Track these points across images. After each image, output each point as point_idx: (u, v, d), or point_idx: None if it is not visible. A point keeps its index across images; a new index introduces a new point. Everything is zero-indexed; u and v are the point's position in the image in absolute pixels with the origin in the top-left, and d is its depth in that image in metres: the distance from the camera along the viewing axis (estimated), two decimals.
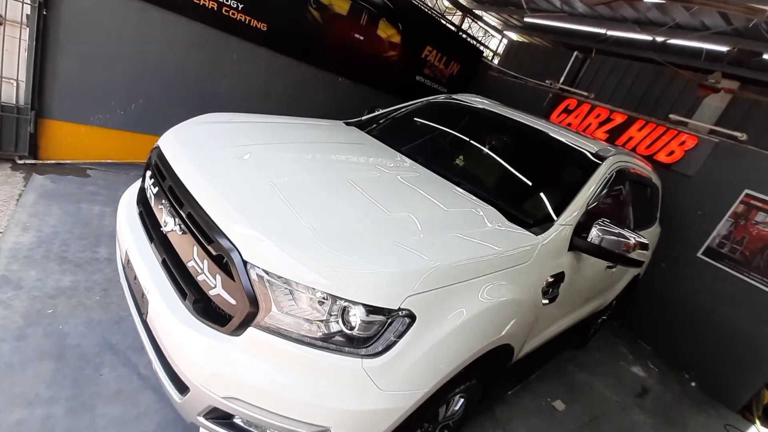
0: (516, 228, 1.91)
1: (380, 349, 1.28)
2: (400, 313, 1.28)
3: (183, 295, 1.42)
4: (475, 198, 2.07)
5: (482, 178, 2.41)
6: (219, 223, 1.35)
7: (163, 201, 1.62)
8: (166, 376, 1.41)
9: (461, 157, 2.58)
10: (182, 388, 1.35)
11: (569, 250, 2.02)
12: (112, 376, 2.02)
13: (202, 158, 1.66)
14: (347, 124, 2.91)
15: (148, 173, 1.84)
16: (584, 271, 2.22)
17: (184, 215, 1.47)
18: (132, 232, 1.73)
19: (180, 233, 1.49)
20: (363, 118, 3.06)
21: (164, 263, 1.55)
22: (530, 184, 2.34)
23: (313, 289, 1.26)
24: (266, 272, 1.25)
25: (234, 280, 1.28)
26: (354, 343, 1.27)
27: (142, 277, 1.55)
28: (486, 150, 2.64)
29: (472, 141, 2.70)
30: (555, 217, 2.05)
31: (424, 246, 1.44)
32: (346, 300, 1.25)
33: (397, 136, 2.74)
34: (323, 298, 1.27)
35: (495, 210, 1.99)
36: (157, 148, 1.83)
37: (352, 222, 1.46)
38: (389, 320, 1.28)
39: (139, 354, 2.16)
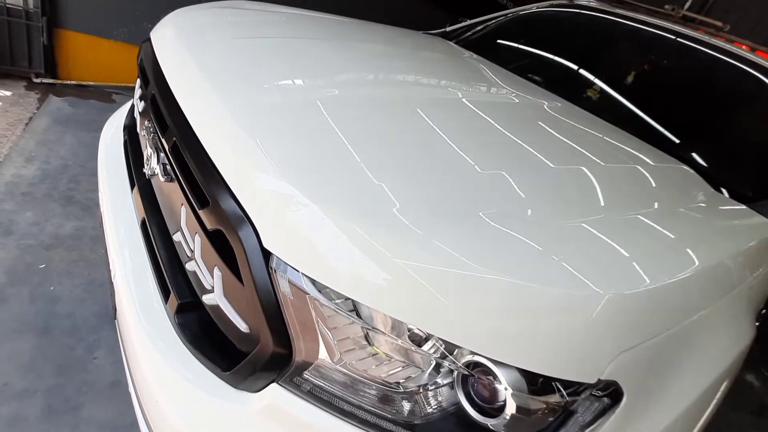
0: (735, 204, 1.09)
1: None
2: (595, 388, 0.58)
3: (165, 293, 0.79)
4: (650, 148, 1.25)
5: (655, 116, 1.55)
6: (220, 164, 0.68)
7: (146, 123, 0.96)
8: (141, 414, 0.82)
9: (618, 83, 1.71)
10: None
11: None
12: (108, 361, 1.52)
13: (204, 50, 0.95)
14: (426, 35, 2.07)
15: (138, 83, 1.18)
16: None
17: (167, 146, 0.80)
18: (108, 171, 1.11)
19: (164, 179, 0.84)
20: (448, 28, 2.20)
21: (144, 227, 0.92)
22: (735, 129, 1.46)
23: (414, 330, 0.58)
24: (311, 280, 0.58)
25: (244, 286, 0.62)
26: None
27: (110, 248, 0.94)
28: (651, 74, 1.74)
29: (631, 63, 1.79)
30: None
31: (615, 243, 0.70)
32: (482, 357, 0.56)
33: (509, 51, 1.89)
34: (433, 348, 0.59)
35: (690, 171, 1.18)
36: (148, 41, 1.15)
37: (468, 187, 0.74)
38: (573, 402, 0.58)
39: None
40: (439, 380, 0.61)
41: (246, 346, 0.66)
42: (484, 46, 1.91)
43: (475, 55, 1.70)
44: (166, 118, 0.82)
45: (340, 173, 0.66)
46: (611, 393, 0.59)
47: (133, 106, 1.26)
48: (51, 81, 3.09)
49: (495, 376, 0.56)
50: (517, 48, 1.94)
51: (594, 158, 1.00)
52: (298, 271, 0.57)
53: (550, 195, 0.79)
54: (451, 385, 0.60)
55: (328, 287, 0.57)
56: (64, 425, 1.32)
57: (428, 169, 0.74)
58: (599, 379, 0.57)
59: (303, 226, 0.58)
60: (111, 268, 0.90)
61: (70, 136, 2.64)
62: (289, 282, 0.57)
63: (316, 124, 0.78)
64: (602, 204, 0.82)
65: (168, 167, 0.82)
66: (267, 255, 0.59)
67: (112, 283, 0.92)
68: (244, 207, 0.62)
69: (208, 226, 0.66)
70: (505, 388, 0.55)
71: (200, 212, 0.68)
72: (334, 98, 0.89)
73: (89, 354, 1.53)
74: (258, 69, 0.94)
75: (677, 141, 1.39)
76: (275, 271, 0.58)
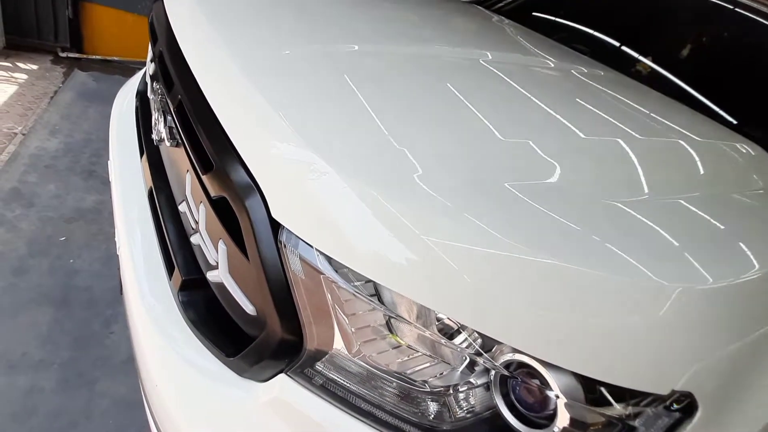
0: None
1: None
2: (668, 401, 0.48)
3: (169, 268, 0.73)
4: (710, 122, 1.10)
5: (717, 87, 1.38)
6: (227, 124, 0.59)
7: (155, 85, 0.88)
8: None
9: (674, 48, 1.54)
10: None
11: None
12: (124, 337, 1.50)
13: (215, 4, 0.86)
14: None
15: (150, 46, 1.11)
16: None
17: (173, 107, 0.73)
18: (119, 140, 1.05)
19: (170, 143, 0.76)
20: None
21: (151, 197, 0.85)
22: None
23: (444, 321, 0.49)
24: (327, 258, 0.49)
25: (249, 261, 0.54)
26: None
27: (116, 219, 0.88)
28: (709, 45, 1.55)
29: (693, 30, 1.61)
30: None
31: (665, 230, 0.58)
32: (527, 356, 0.47)
33: (546, 17, 1.73)
34: (466, 342, 0.50)
35: (757, 147, 1.03)
36: (160, 1, 1.07)
37: (495, 157, 0.63)
38: (639, 415, 0.48)
39: None
40: (472, 380, 0.52)
41: (253, 330, 0.58)
42: (518, 13, 1.76)
43: (506, 20, 1.55)
44: (172, 76, 0.74)
45: (360, 137, 0.57)
46: (684, 406, 0.49)
47: (145, 72, 1.19)
48: (76, 55, 3.08)
49: (543, 380, 0.47)
50: (556, 12, 1.77)
51: (637, 132, 0.86)
52: (311, 246, 0.49)
53: (587, 170, 0.67)
54: (487, 387, 0.51)
55: (346, 267, 0.48)
56: (79, 398, 1.30)
57: (456, 139, 0.63)
58: (673, 390, 0.46)
59: (318, 194, 0.49)
60: (116, 240, 0.84)
61: (93, 110, 2.63)
62: (301, 259, 0.49)
63: (334, 85, 0.68)
64: (647, 184, 0.70)
65: (174, 130, 0.74)
66: (276, 227, 0.51)
67: (117, 257, 0.86)
68: (251, 171, 0.53)
69: (212, 193, 0.58)
70: (557, 396, 0.46)
71: (204, 177, 0.60)
72: (354, 60, 0.78)
73: (106, 329, 1.51)
74: (274, 26, 0.85)
75: (743, 115, 1.23)
76: (285, 245, 0.50)
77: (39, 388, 1.29)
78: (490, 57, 1.02)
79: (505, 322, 0.48)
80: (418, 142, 0.58)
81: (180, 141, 0.72)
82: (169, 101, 0.73)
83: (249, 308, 0.56)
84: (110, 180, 1.01)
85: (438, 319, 0.51)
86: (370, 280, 0.48)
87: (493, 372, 0.51)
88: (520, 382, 0.49)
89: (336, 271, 0.48)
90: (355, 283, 0.48)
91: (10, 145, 2.14)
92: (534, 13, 1.86)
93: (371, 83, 0.70)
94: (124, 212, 0.86)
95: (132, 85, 1.30)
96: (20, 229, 1.73)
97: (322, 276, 0.48)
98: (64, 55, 3.02)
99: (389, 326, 0.50)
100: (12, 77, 2.66)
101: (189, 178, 0.68)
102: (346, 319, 0.49)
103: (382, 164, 0.53)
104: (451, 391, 0.52)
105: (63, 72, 2.89)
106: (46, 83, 2.71)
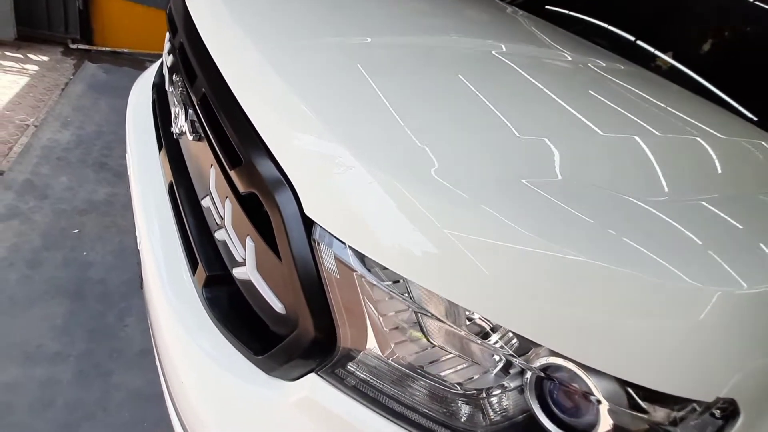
0: None
1: None
2: (712, 407, 0.46)
3: (193, 264, 0.72)
4: (737, 120, 1.08)
5: (745, 81, 1.34)
6: (255, 118, 0.58)
7: (175, 77, 0.87)
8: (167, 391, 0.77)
9: (698, 40, 1.50)
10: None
11: None
12: (138, 329, 1.51)
13: None
14: None
15: (167, 37, 1.10)
16: None
17: (196, 100, 0.71)
18: (136, 133, 1.04)
19: (192, 137, 0.75)
20: None
21: (171, 191, 0.84)
22: None
23: (477, 321, 0.48)
24: (359, 256, 0.48)
25: (281, 260, 0.53)
26: None
27: (136, 213, 0.87)
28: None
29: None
30: None
31: (690, 231, 0.57)
32: (567, 359, 0.46)
33: (565, 11, 1.70)
34: (501, 342, 0.49)
35: None
36: None
37: (525, 151, 0.62)
38: (682, 420, 0.46)
39: None
40: (506, 383, 0.51)
41: (281, 328, 0.57)
42: (535, 5, 1.72)
43: (521, 12, 1.53)
44: (195, 69, 0.72)
45: (387, 132, 0.56)
46: (727, 413, 0.48)
47: (162, 63, 1.18)
48: (86, 47, 3.08)
49: (583, 384, 0.46)
50: (570, 4, 1.73)
51: (659, 130, 0.84)
52: (344, 244, 0.48)
53: (607, 169, 0.66)
54: (521, 390, 0.50)
55: (378, 265, 0.47)
56: (95, 390, 1.31)
57: (476, 133, 0.61)
58: (718, 397, 0.45)
59: (350, 190, 0.48)
60: (137, 234, 0.84)
61: (104, 102, 2.63)
62: (336, 257, 0.48)
63: (360, 79, 0.66)
64: (668, 183, 0.68)
65: (197, 124, 0.73)
66: (308, 224, 0.50)
67: (138, 251, 0.86)
68: (282, 166, 0.52)
69: (241, 189, 0.57)
70: (598, 401, 0.45)
71: (232, 173, 0.59)
72: (378, 53, 0.77)
73: (120, 321, 1.52)
74: (299, 17, 0.83)
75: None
76: (318, 243, 0.49)
77: (56, 380, 1.30)
78: (506, 49, 1.00)
79: (541, 323, 0.47)
80: (440, 138, 0.56)
81: (203, 135, 0.71)
82: (191, 94, 0.72)
83: (278, 306, 0.55)
84: (128, 174, 1.01)
85: (471, 320, 0.50)
86: (402, 279, 0.47)
87: (528, 375, 0.50)
88: (558, 386, 0.48)
89: (369, 270, 0.47)
90: (387, 282, 0.47)
91: (23, 136, 2.14)
92: (548, 6, 1.83)
93: (393, 79, 0.69)
94: (144, 207, 0.85)
95: (147, 77, 1.29)
96: (34, 221, 1.74)
97: (355, 274, 0.47)
98: (74, 46, 3.02)
99: (422, 327, 0.49)
100: (23, 69, 2.66)
101: (213, 173, 0.67)
102: (380, 318, 0.48)
103: (408, 159, 0.51)
104: (485, 394, 0.51)
105: (73, 64, 2.89)
106: (57, 75, 2.71)
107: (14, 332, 1.37)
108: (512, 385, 0.51)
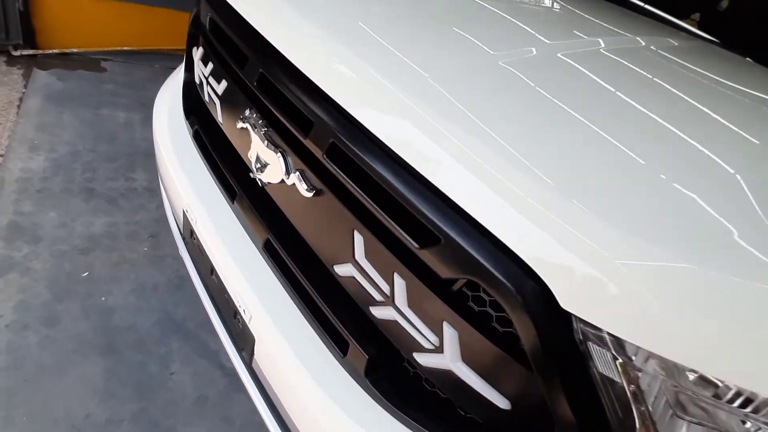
0: None
1: None
2: None
3: (338, 345, 0.62)
4: None
5: None
6: (449, 188, 0.47)
7: (249, 112, 0.73)
8: None
9: None
10: None
11: None
12: (186, 374, 1.39)
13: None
14: None
15: (198, 52, 0.92)
16: None
17: (320, 151, 0.59)
18: (188, 175, 0.89)
19: (307, 191, 0.63)
20: None
21: (267, 249, 0.72)
22: None
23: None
24: (646, 353, 0.40)
25: (533, 371, 0.43)
26: None
27: (230, 281, 0.75)
28: None
29: None
30: None
31: None
32: None
33: None
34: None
35: None
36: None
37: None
38: None
39: (215, 335, 1.49)
40: None
41: (500, 422, 0.49)
42: None
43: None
44: (312, 113, 0.59)
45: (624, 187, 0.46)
46: None
47: (189, 84, 1.00)
48: (32, 52, 2.68)
49: None
50: None
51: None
52: (619, 338, 0.40)
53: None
54: None
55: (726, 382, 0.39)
56: None
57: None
58: None
59: (612, 274, 0.40)
60: (239, 306, 0.72)
61: (68, 115, 2.32)
62: (615, 356, 0.40)
63: (556, 114, 0.55)
64: None
65: (321, 179, 0.60)
66: (564, 319, 0.42)
67: (238, 321, 0.74)
68: (517, 253, 0.42)
69: (442, 274, 0.47)
70: None
71: (421, 252, 0.48)
72: (552, 74, 0.64)
73: (165, 369, 1.38)
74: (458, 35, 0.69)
75: None
76: (584, 341, 0.41)
77: None
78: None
79: None
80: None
81: (330, 191, 0.59)
82: (313, 144, 0.59)
83: (502, 403, 0.47)
84: (197, 234, 0.86)
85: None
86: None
87: None
88: None
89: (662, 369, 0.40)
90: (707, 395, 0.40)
91: None
92: None
93: (592, 105, 0.58)
94: (241, 272, 0.72)
95: (168, 94, 1.10)
96: (35, 271, 1.53)
97: (640, 374, 0.40)
98: (17, 53, 2.62)
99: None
100: None
101: (360, 240, 0.57)
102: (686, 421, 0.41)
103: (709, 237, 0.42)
104: None
105: (21, 74, 2.51)
106: (6, 90, 2.35)
107: (54, 405, 1.21)
108: None
